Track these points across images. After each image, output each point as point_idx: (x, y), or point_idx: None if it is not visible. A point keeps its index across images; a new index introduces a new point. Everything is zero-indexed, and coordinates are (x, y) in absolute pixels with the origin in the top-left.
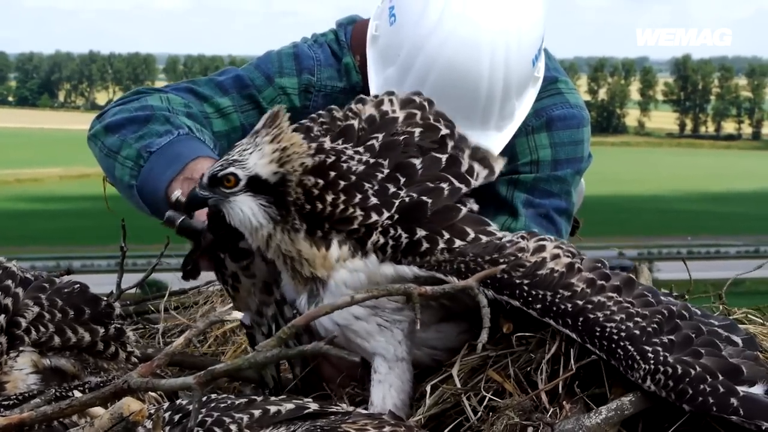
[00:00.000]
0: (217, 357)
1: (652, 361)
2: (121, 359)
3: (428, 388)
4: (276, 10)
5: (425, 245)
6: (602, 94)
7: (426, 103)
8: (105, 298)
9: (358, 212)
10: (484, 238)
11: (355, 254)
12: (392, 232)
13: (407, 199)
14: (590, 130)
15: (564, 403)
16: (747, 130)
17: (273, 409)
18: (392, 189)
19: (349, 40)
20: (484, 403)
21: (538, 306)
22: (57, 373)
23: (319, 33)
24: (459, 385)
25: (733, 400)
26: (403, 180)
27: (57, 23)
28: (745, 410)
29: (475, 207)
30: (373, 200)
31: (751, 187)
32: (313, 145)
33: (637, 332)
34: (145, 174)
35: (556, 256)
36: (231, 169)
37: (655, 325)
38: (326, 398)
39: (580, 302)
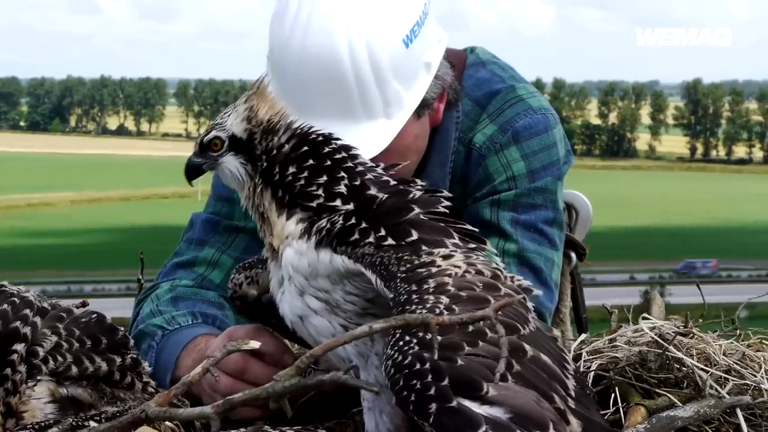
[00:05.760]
0: None
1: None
2: (138, 389)
3: None
4: None
5: (356, 235)
6: (613, 117)
7: None
8: (122, 329)
9: (321, 191)
10: (425, 247)
11: (304, 236)
12: (335, 216)
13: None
14: (561, 128)
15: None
16: (758, 154)
17: None
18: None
19: None
20: None
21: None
22: (74, 403)
23: None
24: None
25: (433, 406)
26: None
27: (69, 48)
28: (437, 419)
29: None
30: (343, 187)
31: (762, 210)
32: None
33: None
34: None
35: (455, 266)
36: (214, 133)
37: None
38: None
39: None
